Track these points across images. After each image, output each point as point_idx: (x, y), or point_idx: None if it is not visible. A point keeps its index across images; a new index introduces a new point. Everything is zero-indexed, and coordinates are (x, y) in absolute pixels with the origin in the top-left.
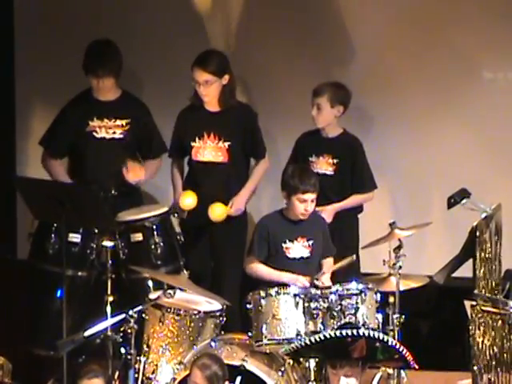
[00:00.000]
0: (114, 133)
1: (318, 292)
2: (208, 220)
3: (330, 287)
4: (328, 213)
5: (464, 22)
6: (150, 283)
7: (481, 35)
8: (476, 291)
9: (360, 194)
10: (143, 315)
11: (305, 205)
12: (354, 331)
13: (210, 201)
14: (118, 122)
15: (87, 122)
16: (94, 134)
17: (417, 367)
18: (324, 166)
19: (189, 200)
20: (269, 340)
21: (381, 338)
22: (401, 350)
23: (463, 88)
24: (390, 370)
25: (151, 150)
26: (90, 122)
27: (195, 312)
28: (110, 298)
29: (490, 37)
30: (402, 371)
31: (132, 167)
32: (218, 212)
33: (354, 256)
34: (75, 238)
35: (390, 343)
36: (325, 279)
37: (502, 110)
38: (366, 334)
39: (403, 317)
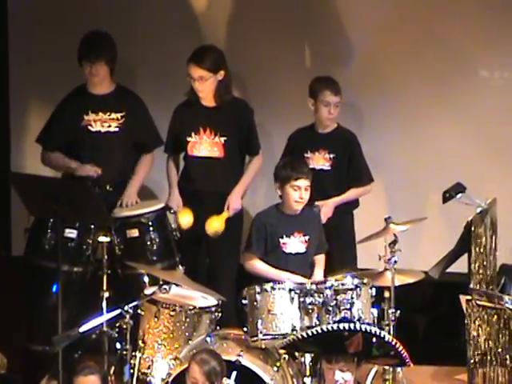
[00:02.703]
0: (110, 126)
1: (314, 287)
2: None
3: (324, 282)
4: (328, 207)
5: (461, 19)
6: (146, 279)
7: (477, 33)
8: (471, 286)
9: (358, 187)
10: (139, 311)
11: (299, 192)
12: (351, 325)
13: (206, 196)
14: (113, 116)
15: (82, 116)
16: (89, 127)
17: (412, 365)
18: (320, 161)
19: (186, 219)
20: (264, 335)
21: (377, 333)
22: (397, 346)
23: (459, 85)
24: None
25: (147, 144)
26: (84, 116)
27: (191, 307)
28: (106, 294)
29: (487, 35)
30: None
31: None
32: (215, 225)
33: None
34: (71, 233)
35: (386, 339)
36: (317, 275)
37: (497, 106)
38: (363, 329)
39: (398, 312)
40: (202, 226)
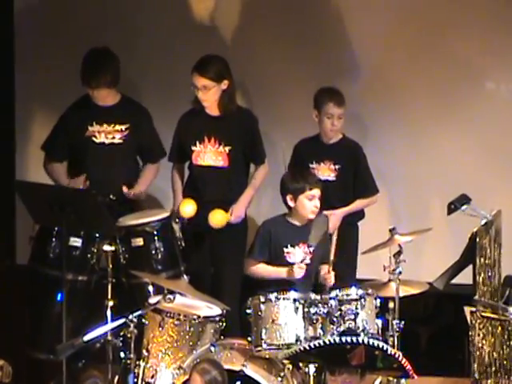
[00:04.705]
0: (114, 138)
1: (318, 297)
2: (208, 225)
3: (329, 292)
4: (336, 217)
5: (467, 31)
6: (150, 288)
7: (484, 45)
8: (476, 297)
9: (364, 198)
10: (143, 320)
11: (314, 202)
12: (354, 338)
13: (210, 205)
14: (118, 127)
15: (86, 127)
16: (94, 138)
17: (415, 377)
18: (326, 171)
19: (188, 207)
20: (268, 345)
21: (380, 346)
22: (400, 359)
23: (464, 96)
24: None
25: (151, 155)
26: (89, 127)
27: (195, 317)
28: (110, 303)
29: (493, 47)
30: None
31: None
32: (217, 218)
33: None
34: (76, 242)
35: (389, 352)
36: (329, 278)
37: (503, 118)
38: (366, 342)
39: (403, 322)
40: (208, 236)
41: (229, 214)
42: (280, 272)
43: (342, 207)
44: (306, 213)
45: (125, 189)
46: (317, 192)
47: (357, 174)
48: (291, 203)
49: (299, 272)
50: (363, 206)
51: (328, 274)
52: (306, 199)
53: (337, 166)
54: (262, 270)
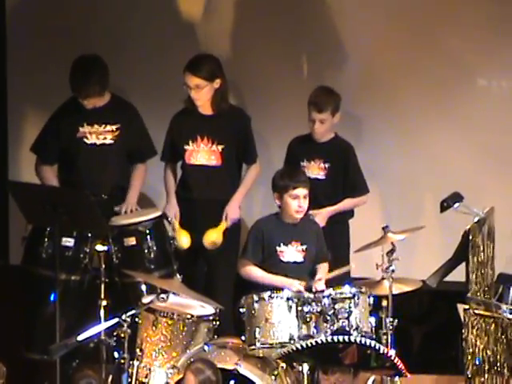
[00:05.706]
0: (105, 138)
1: (311, 296)
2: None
3: (323, 291)
4: (321, 216)
5: (459, 28)
6: (144, 287)
7: (476, 43)
8: (469, 295)
9: (353, 197)
10: (136, 319)
11: (298, 201)
12: (346, 337)
13: (204, 205)
14: (109, 128)
15: (77, 128)
16: (85, 140)
17: (408, 376)
18: (315, 170)
19: (185, 240)
20: (262, 344)
21: (372, 345)
22: (392, 358)
23: (456, 94)
24: None
25: (141, 154)
26: (80, 128)
27: (188, 316)
28: (104, 302)
29: (485, 44)
30: None
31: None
32: (212, 238)
33: (352, 264)
34: (68, 242)
35: (381, 351)
36: (319, 284)
37: (495, 116)
38: (358, 341)
39: (396, 320)
40: (199, 235)
41: (223, 222)
42: (274, 281)
43: (331, 206)
44: (291, 212)
45: (116, 207)
46: (301, 192)
47: (346, 173)
48: (277, 201)
49: (297, 289)
50: (352, 205)
51: (318, 281)
52: (290, 198)
53: (326, 165)
54: (256, 274)
